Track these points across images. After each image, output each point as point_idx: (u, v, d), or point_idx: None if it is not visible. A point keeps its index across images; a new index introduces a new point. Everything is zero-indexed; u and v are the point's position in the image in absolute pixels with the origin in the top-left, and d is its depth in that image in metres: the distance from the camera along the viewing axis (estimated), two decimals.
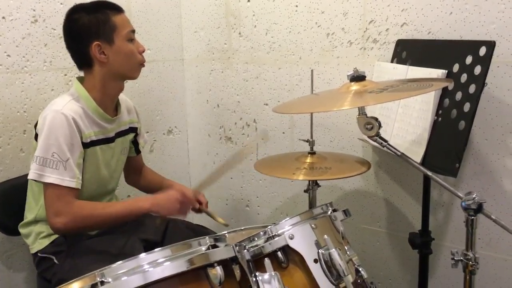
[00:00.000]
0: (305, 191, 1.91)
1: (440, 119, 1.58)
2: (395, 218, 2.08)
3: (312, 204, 1.91)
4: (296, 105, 1.66)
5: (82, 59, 1.62)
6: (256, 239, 1.20)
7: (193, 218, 2.54)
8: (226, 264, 1.09)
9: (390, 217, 2.09)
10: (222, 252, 1.07)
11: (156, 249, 1.03)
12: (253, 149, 2.30)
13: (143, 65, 1.69)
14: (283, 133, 2.30)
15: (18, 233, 1.71)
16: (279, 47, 2.23)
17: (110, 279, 0.95)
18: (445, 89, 1.58)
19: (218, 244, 1.09)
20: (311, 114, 1.93)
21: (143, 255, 1.01)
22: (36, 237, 1.64)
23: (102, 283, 0.94)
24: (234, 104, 2.42)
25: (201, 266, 1.03)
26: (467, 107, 1.48)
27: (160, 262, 1.00)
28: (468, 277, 1.30)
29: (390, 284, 2.15)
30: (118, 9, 1.62)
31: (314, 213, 1.30)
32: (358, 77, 1.42)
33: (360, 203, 2.15)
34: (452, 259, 1.31)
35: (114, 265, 0.99)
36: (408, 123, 1.69)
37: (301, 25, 2.15)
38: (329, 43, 2.09)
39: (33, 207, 1.65)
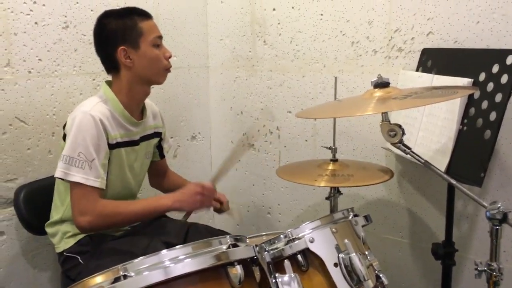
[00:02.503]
0: (326, 198, 1.90)
1: (465, 128, 1.57)
2: (418, 229, 2.05)
3: (333, 212, 1.90)
4: (319, 110, 1.67)
5: (110, 63, 1.66)
6: (276, 242, 1.21)
7: (215, 222, 2.56)
8: (246, 264, 1.09)
9: (413, 227, 2.07)
10: (243, 251, 1.08)
11: (177, 246, 1.04)
12: (257, 138, 2.16)
13: (169, 71, 1.71)
14: (306, 140, 2.30)
15: (44, 233, 1.74)
16: (303, 55, 2.25)
17: (132, 273, 0.97)
18: (470, 98, 1.57)
19: (238, 244, 1.09)
20: (334, 121, 1.93)
21: (164, 251, 1.03)
22: (62, 237, 1.68)
23: (125, 277, 0.97)
24: (257, 111, 2.44)
25: (222, 265, 1.04)
26: (493, 116, 1.47)
27: (181, 259, 1.01)
28: None
29: None
30: (146, 15, 1.66)
31: (334, 218, 1.30)
32: (382, 84, 1.42)
33: (382, 213, 2.13)
34: (476, 269, 1.29)
35: (136, 260, 1.01)
36: (433, 132, 1.67)
37: (325, 34, 2.16)
38: (353, 51, 2.09)
39: (59, 206, 1.69)
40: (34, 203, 1.78)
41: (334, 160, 1.86)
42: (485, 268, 1.28)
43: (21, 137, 1.85)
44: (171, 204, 1.61)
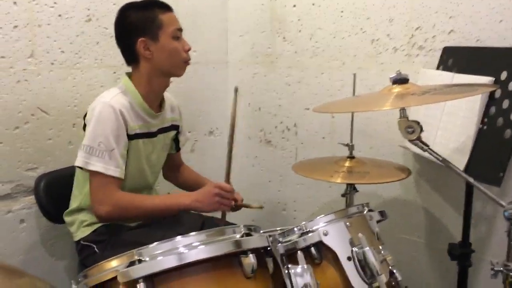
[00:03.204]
0: (342, 195, 1.89)
1: (485, 127, 1.55)
2: (434, 229, 2.03)
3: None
4: (336, 105, 1.67)
5: (129, 55, 1.69)
6: (290, 234, 1.21)
7: (229, 217, 2.56)
8: (259, 254, 1.10)
9: (430, 227, 2.05)
10: (256, 240, 1.09)
11: (191, 233, 1.05)
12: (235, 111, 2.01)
13: (188, 63, 1.72)
14: (323, 138, 2.30)
15: (63, 221, 1.77)
16: (322, 52, 2.24)
17: (147, 258, 0.99)
18: (491, 97, 1.55)
19: (252, 233, 1.10)
20: (352, 118, 1.92)
21: (179, 237, 1.04)
22: (80, 225, 1.71)
23: (140, 261, 0.98)
24: (275, 108, 2.44)
25: (235, 253, 1.05)
26: None
27: (195, 246, 1.02)
28: None
29: None
30: (166, 8, 1.68)
31: (349, 212, 1.31)
32: (400, 80, 1.42)
33: (398, 212, 2.11)
34: (492, 269, 1.28)
35: (151, 246, 1.03)
36: (451, 131, 1.65)
37: (345, 31, 2.15)
38: (373, 49, 2.08)
39: (78, 195, 1.72)
40: (54, 192, 1.82)
41: (351, 157, 1.86)
42: (502, 268, 1.27)
43: (42, 127, 1.89)
44: (189, 203, 1.62)
